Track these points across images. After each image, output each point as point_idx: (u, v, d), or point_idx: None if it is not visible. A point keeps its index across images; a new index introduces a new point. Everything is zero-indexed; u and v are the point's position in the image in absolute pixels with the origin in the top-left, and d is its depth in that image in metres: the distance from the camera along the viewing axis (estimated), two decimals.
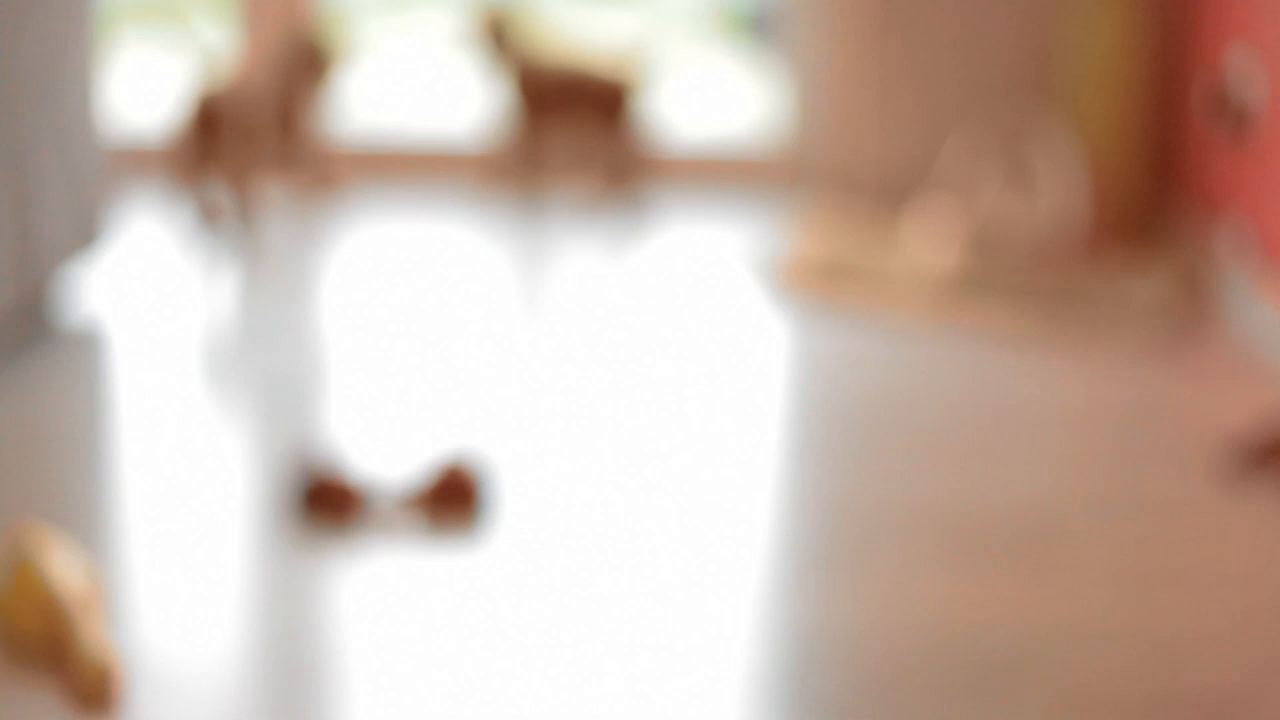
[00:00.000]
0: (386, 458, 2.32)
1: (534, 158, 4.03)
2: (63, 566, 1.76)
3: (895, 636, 1.78)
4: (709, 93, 5.08)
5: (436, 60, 6.94)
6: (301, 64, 3.94)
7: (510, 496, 2.18)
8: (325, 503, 2.10)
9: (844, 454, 2.35)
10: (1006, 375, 2.72)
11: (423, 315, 3.03)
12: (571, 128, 4.00)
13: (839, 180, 4.00)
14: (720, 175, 4.17)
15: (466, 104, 5.26)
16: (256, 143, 3.70)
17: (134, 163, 4.23)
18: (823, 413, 2.53)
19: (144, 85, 5.80)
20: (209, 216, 3.64)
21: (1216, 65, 3.40)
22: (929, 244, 3.46)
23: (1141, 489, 2.24)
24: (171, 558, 1.98)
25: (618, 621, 1.81)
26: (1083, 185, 3.48)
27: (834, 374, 2.71)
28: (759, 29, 5.62)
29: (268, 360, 2.74)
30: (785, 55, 4.19)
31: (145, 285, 3.18)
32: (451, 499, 2.12)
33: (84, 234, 3.07)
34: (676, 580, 1.93)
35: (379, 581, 1.92)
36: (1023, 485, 2.25)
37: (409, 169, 4.27)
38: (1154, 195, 3.83)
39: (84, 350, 2.81)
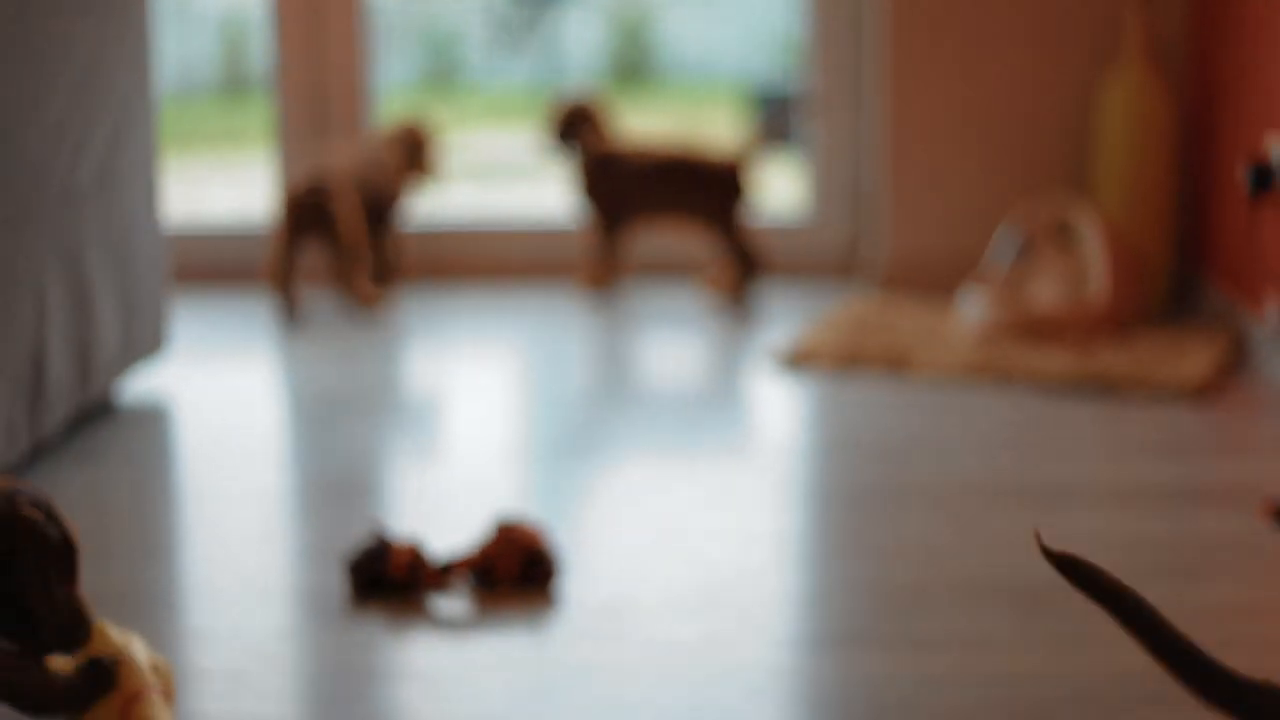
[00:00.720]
0: (447, 527, 2.37)
1: (617, 252, 4.00)
2: (141, 660, 1.80)
3: (956, 703, 1.81)
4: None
5: (522, 154, 7.01)
6: (399, 160, 4.05)
7: (567, 564, 2.22)
8: (383, 567, 2.14)
9: (882, 519, 2.39)
10: (1045, 424, 2.76)
11: (490, 398, 3.09)
12: (675, 220, 3.96)
13: (890, 271, 4.05)
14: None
15: (552, 198, 5.31)
16: (348, 239, 3.81)
17: (193, 266, 4.31)
18: (857, 478, 2.57)
19: (199, 192, 5.89)
20: (292, 313, 3.78)
21: (1257, 151, 3.45)
22: (972, 331, 3.50)
23: (1190, 536, 2.27)
24: (233, 635, 2.03)
25: (660, 690, 1.85)
26: (1124, 271, 3.52)
27: (867, 438, 2.75)
28: (787, 120, 5.69)
29: (336, 442, 2.80)
30: (823, 148, 4.25)
31: (211, 373, 3.24)
32: (509, 559, 2.17)
33: (145, 342, 3.14)
34: (722, 659, 1.97)
35: (437, 653, 1.96)
36: (1077, 545, 2.27)
37: (492, 266, 4.34)
38: (1189, 278, 3.87)
39: (147, 428, 2.87)
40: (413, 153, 4.07)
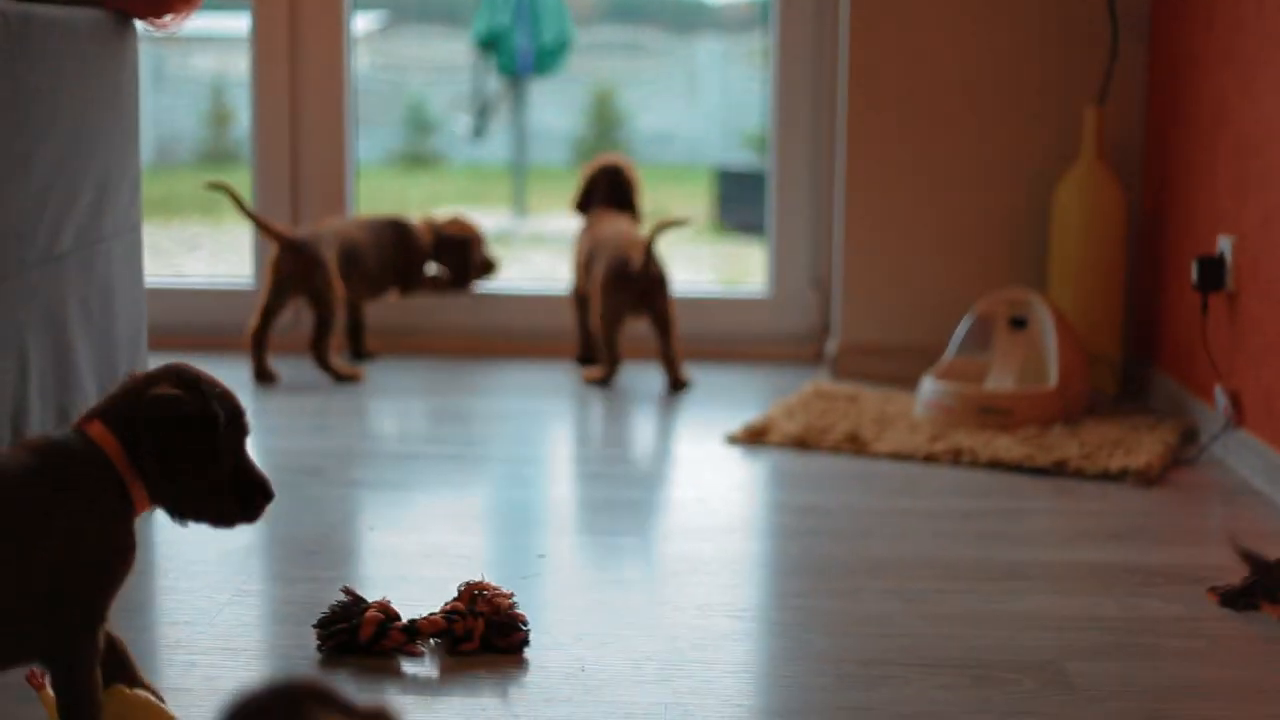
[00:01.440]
0: (416, 591, 2.42)
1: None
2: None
3: None
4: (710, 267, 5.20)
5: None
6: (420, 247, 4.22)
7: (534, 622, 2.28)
8: (354, 629, 2.20)
9: (839, 594, 2.45)
10: (999, 507, 2.82)
11: (460, 466, 3.14)
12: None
13: (845, 358, 4.12)
14: (728, 351, 4.29)
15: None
16: (327, 309, 3.92)
17: (171, 329, 4.36)
18: (814, 559, 2.63)
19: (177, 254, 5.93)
20: (265, 375, 3.92)
21: (1206, 248, 3.54)
22: (929, 416, 3.58)
23: (1140, 617, 2.34)
24: (208, 692, 2.08)
25: None
26: (1077, 360, 3.61)
27: (825, 515, 2.82)
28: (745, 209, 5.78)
29: (308, 504, 2.84)
30: (784, 235, 4.33)
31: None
32: (476, 622, 2.22)
33: None
34: None
35: (406, 714, 2.01)
36: (1025, 621, 2.34)
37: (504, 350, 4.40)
38: (1141, 368, 3.96)
39: None
40: (456, 256, 4.22)
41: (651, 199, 4.46)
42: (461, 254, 4.21)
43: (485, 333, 4.41)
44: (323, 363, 3.95)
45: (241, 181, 4.25)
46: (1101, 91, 3.99)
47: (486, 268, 4.26)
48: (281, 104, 4.38)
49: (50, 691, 1.82)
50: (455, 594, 2.29)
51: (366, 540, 2.76)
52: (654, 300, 3.90)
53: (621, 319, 3.92)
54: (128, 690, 1.87)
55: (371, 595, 2.30)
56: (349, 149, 4.41)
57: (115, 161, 3.10)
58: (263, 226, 3.95)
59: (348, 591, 2.25)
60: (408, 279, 4.19)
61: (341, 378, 3.95)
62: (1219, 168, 3.47)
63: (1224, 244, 3.39)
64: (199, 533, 2.75)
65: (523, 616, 2.26)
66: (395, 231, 4.18)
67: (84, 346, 2.97)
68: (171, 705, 2.02)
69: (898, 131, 4.08)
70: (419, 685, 2.12)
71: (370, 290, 4.15)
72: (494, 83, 9.23)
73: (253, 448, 1.87)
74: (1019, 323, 3.70)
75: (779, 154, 4.35)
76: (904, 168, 4.10)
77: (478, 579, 2.31)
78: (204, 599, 2.44)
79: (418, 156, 12.27)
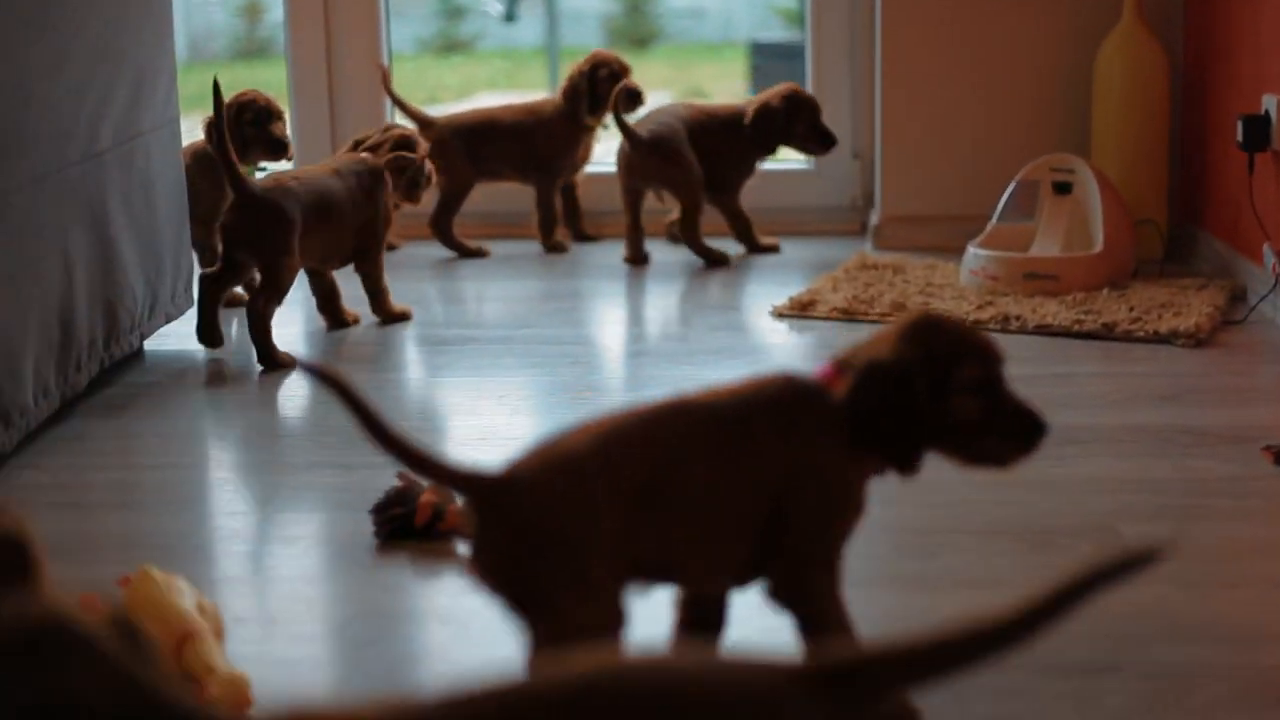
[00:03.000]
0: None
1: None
2: (185, 600, 1.86)
3: None
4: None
5: None
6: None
7: None
8: (409, 513, 2.21)
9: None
10: (1049, 372, 2.81)
11: (506, 349, 3.15)
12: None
13: (887, 229, 4.10)
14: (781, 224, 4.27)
15: None
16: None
17: None
18: None
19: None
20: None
21: (1252, 107, 3.50)
22: (975, 283, 3.56)
23: (1192, 478, 2.34)
24: (264, 581, 2.10)
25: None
26: (1123, 224, 3.58)
27: None
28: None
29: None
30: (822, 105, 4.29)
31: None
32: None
33: (170, 298, 3.19)
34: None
35: (463, 596, 2.03)
36: (1080, 486, 2.34)
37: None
38: (1188, 230, 3.92)
39: (175, 380, 2.92)
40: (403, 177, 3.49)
41: (686, 76, 4.41)
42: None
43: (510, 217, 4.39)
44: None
45: (276, 75, 4.21)
46: None
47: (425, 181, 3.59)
48: None
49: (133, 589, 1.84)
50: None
51: (416, 428, 2.77)
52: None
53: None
54: (157, 574, 1.87)
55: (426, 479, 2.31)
56: (383, 37, 4.38)
57: (149, 56, 3.09)
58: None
59: (402, 477, 2.25)
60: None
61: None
62: (1262, 25, 3.42)
63: (1269, 102, 3.35)
64: (250, 424, 2.77)
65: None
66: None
67: (128, 242, 2.97)
68: (227, 594, 2.04)
69: None
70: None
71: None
72: None
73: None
74: (1063, 188, 3.66)
75: (816, 26, 4.31)
76: (943, 35, 4.05)
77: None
78: (259, 489, 2.46)
79: (451, 42, 12.18)
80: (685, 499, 1.58)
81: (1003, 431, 1.63)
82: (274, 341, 3.10)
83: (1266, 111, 3.35)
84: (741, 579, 1.66)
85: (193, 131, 3.48)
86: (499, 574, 1.54)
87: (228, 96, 3.24)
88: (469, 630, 1.94)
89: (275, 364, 3.09)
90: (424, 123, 4.02)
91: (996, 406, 1.64)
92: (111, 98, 2.90)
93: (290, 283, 3.15)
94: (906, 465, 1.63)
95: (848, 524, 1.66)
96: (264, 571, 2.15)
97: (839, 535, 1.66)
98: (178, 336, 3.26)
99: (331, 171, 3.29)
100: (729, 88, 9.46)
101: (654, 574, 1.62)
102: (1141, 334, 3.19)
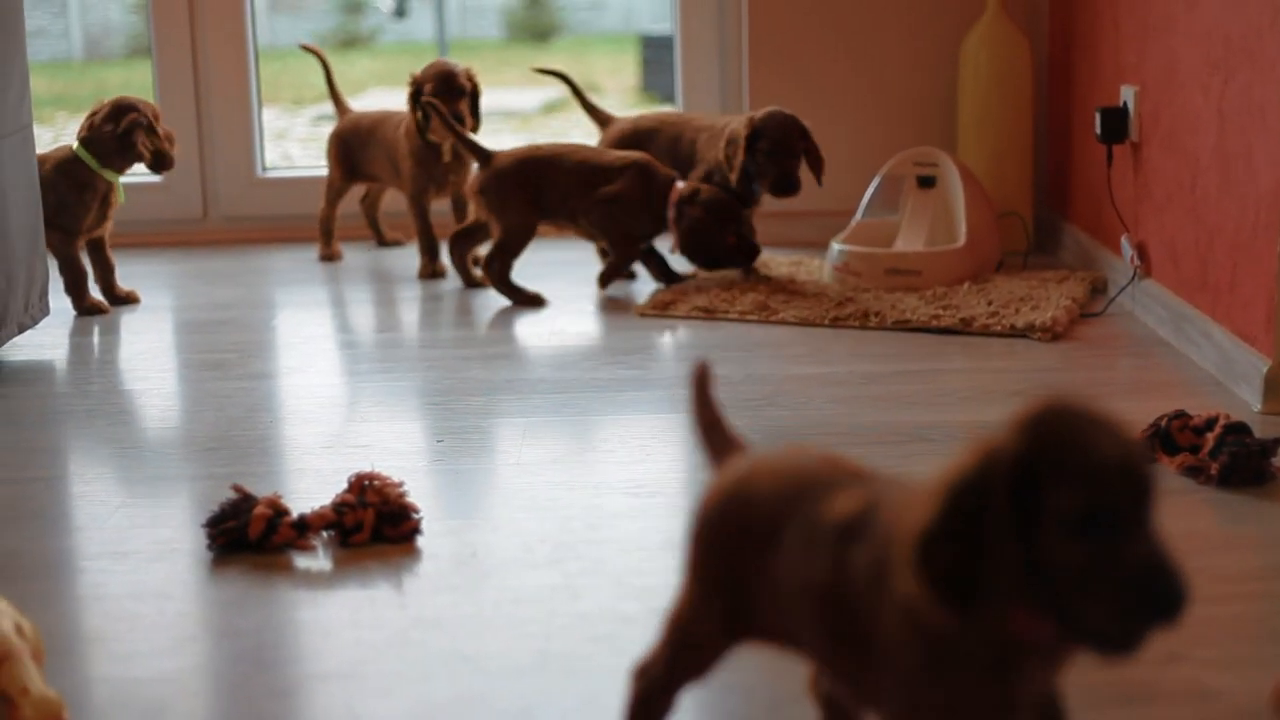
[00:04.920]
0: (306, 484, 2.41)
1: None
2: (3, 621, 1.82)
3: None
4: None
5: None
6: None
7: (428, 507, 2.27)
8: (243, 526, 2.19)
9: None
10: (907, 368, 2.82)
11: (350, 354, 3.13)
12: None
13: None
14: None
15: None
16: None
17: None
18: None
19: None
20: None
21: (1107, 102, 3.53)
22: (838, 278, 3.57)
23: None
24: (95, 598, 2.07)
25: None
26: (986, 217, 3.60)
27: (730, 383, 2.81)
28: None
29: (195, 403, 2.83)
30: (693, 96, 4.28)
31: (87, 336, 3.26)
32: (366, 514, 2.21)
33: (23, 310, 3.16)
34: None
35: (298, 608, 2.01)
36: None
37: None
38: (1051, 221, 3.95)
39: (28, 390, 2.89)
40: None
41: (582, 68, 4.39)
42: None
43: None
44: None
45: (142, 74, 4.17)
46: None
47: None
48: None
49: None
50: (346, 486, 2.28)
51: (265, 435, 2.75)
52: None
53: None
54: None
55: (267, 490, 2.30)
56: (249, 36, 4.35)
57: (1, 66, 3.05)
58: None
59: (237, 489, 2.24)
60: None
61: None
62: (1121, 17, 3.45)
63: (1126, 94, 3.37)
64: (99, 436, 2.74)
65: (414, 505, 2.25)
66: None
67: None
68: (58, 615, 2.01)
69: None
70: (311, 579, 2.12)
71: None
72: None
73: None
74: (927, 181, 3.68)
75: (684, 20, 4.31)
76: (809, 29, 4.06)
77: (368, 469, 2.30)
78: (97, 504, 2.43)
79: (351, 37, 12.12)
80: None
81: (1108, 598, 1.18)
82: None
83: (1124, 103, 3.38)
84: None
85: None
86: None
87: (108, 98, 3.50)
88: (300, 641, 1.92)
89: (525, 299, 3.56)
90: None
91: (1109, 557, 1.19)
92: None
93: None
94: (979, 620, 1.23)
95: None
96: (95, 589, 2.13)
97: None
98: (31, 347, 3.23)
99: None
100: (621, 82, 9.46)
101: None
102: (999, 329, 3.20)
